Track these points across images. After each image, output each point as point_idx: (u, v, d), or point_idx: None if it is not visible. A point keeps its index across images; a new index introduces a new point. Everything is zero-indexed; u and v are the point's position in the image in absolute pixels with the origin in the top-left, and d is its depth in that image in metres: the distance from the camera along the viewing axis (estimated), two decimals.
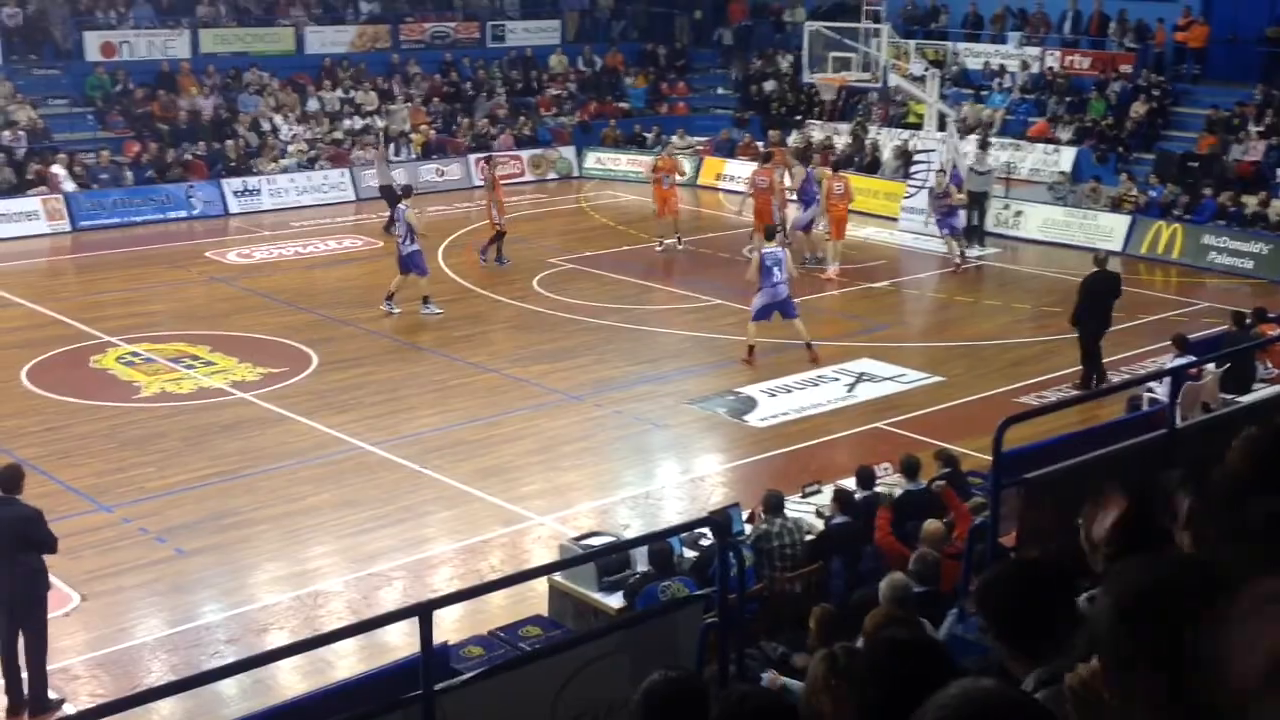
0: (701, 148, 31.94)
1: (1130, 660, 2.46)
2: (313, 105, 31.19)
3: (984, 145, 25.75)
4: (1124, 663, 2.46)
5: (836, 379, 16.91)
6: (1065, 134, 28.86)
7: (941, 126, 26.16)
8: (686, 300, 20.94)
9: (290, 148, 29.41)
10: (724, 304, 20.50)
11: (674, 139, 31.32)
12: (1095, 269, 16.77)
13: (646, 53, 37.17)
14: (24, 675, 9.50)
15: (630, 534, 11.75)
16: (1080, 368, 16.58)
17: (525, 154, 31.69)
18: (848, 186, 23.21)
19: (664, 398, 16.41)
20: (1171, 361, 13.54)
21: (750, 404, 16.08)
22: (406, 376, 17.19)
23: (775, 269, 17.42)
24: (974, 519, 8.99)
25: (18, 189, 25.77)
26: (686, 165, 28.26)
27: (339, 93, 31.74)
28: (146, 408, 15.94)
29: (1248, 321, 15.02)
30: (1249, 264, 22.85)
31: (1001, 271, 23.20)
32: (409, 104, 32.11)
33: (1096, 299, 16.50)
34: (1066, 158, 28.19)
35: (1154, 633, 2.45)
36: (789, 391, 16.48)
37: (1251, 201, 24.06)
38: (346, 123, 31.00)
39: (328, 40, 33.08)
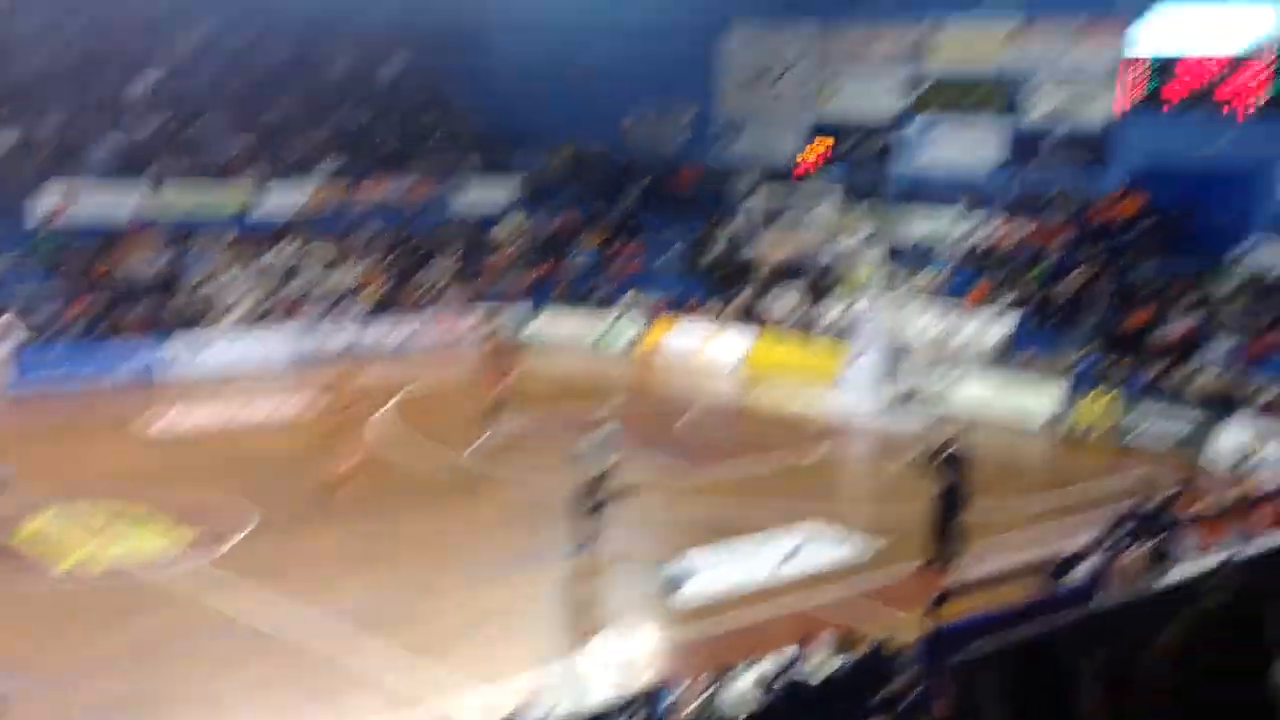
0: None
1: None
2: (265, 260, 31.39)
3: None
4: None
5: (768, 554, 16.91)
6: (1004, 299, 29.31)
7: (882, 292, 26.71)
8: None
9: (237, 307, 29.50)
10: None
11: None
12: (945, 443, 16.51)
13: (597, 213, 37.78)
14: None
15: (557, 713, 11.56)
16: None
17: (473, 314, 31.95)
18: None
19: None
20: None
21: (683, 576, 15.99)
22: (333, 544, 17.02)
23: None
24: None
25: None
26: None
27: (291, 250, 32.00)
28: (67, 579, 15.69)
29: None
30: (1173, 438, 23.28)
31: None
32: (361, 262, 32.45)
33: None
34: (1004, 326, 28.64)
35: None
36: (717, 567, 16.43)
37: (1182, 375, 24.62)
38: (295, 282, 31.22)
39: (283, 199, 33.46)
